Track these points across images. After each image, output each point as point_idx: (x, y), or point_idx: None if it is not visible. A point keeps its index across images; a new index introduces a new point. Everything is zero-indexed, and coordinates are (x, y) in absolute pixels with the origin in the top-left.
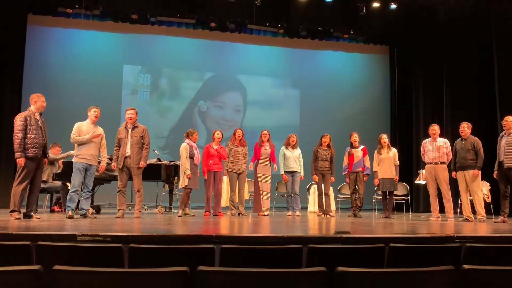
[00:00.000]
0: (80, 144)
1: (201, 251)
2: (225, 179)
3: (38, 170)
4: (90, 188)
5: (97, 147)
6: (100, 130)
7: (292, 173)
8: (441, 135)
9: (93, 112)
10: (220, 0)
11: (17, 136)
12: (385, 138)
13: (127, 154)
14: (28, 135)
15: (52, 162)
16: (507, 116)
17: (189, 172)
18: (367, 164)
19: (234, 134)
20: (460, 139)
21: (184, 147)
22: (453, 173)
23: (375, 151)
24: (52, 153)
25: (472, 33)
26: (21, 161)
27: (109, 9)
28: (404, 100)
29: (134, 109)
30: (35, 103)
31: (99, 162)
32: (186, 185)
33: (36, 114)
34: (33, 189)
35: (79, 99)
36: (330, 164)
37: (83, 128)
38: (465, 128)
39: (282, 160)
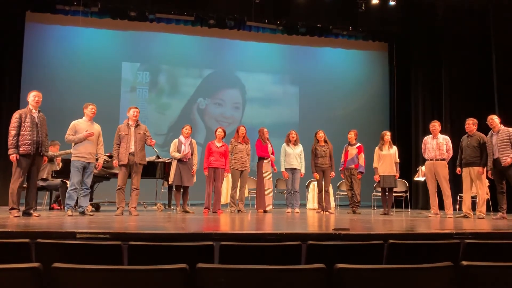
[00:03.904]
0: (78, 142)
1: (200, 248)
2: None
3: (34, 167)
4: (89, 185)
5: (95, 145)
6: (97, 127)
7: (292, 170)
8: (440, 132)
9: (89, 109)
10: None
11: (11, 133)
12: (388, 135)
13: (131, 151)
14: (21, 132)
15: (51, 160)
16: (491, 116)
17: (178, 155)
18: (361, 162)
19: (238, 131)
20: (466, 135)
21: (173, 142)
22: (457, 169)
23: (377, 147)
24: (51, 151)
25: (471, 29)
26: (13, 158)
27: (107, 6)
28: (403, 96)
29: (138, 108)
30: (28, 100)
31: (96, 159)
32: (172, 181)
33: (33, 111)
34: (30, 186)
35: (77, 96)
36: (330, 159)
37: (81, 126)
38: (470, 124)
39: (283, 157)
